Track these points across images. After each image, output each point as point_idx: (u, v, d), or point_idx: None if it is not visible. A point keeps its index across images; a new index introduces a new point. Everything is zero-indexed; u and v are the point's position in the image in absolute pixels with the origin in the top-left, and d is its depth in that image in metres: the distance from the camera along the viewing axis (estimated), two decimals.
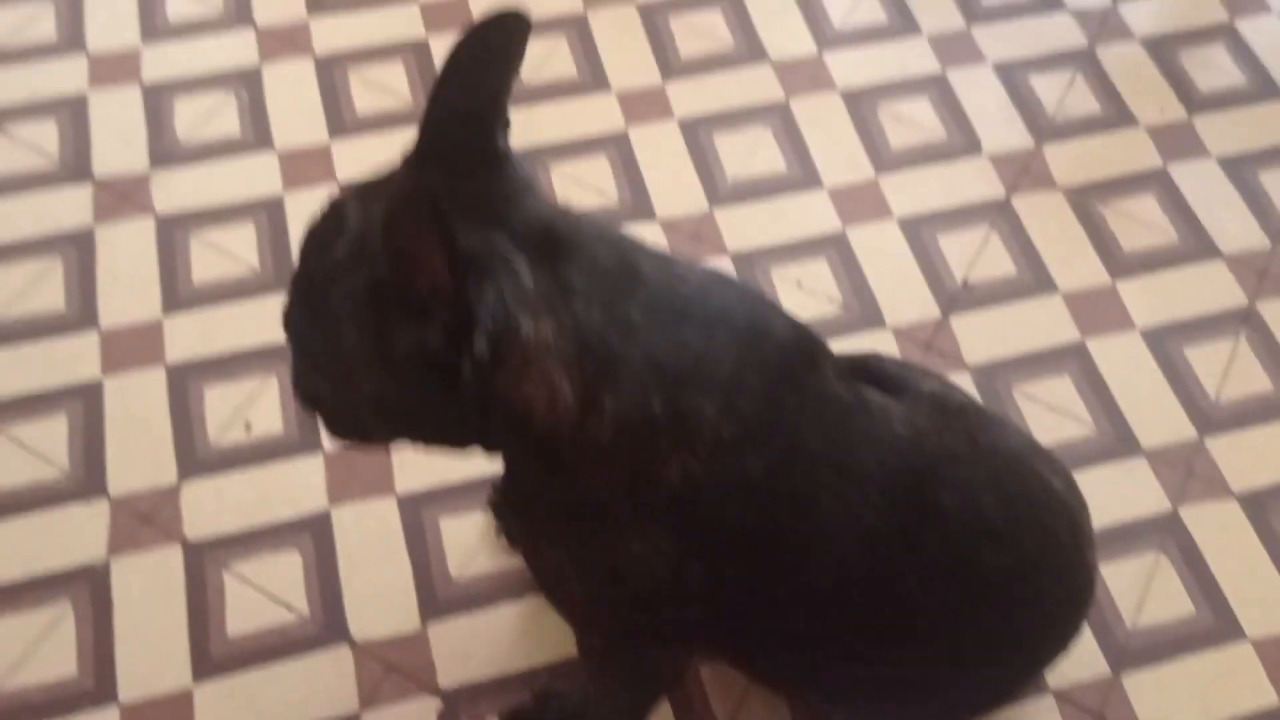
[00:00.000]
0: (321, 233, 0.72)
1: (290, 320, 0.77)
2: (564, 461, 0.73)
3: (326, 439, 1.19)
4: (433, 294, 0.65)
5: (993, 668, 0.94)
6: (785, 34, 1.60)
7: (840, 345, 1.31)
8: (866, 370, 0.97)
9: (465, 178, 0.71)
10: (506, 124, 0.76)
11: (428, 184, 0.70)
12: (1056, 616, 0.93)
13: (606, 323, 0.69)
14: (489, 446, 0.77)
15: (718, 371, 0.72)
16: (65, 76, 1.51)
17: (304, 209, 1.40)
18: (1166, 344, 1.34)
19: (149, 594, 1.14)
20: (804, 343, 0.79)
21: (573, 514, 0.78)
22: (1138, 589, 1.16)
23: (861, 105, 1.54)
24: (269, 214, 1.40)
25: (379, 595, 1.14)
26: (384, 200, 0.68)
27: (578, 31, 1.58)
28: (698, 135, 1.50)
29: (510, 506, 0.88)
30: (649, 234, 1.40)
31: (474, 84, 0.74)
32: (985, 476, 0.83)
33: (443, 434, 0.76)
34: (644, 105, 1.52)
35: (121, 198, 1.41)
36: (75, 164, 1.43)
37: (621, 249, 0.73)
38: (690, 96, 1.53)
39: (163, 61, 1.52)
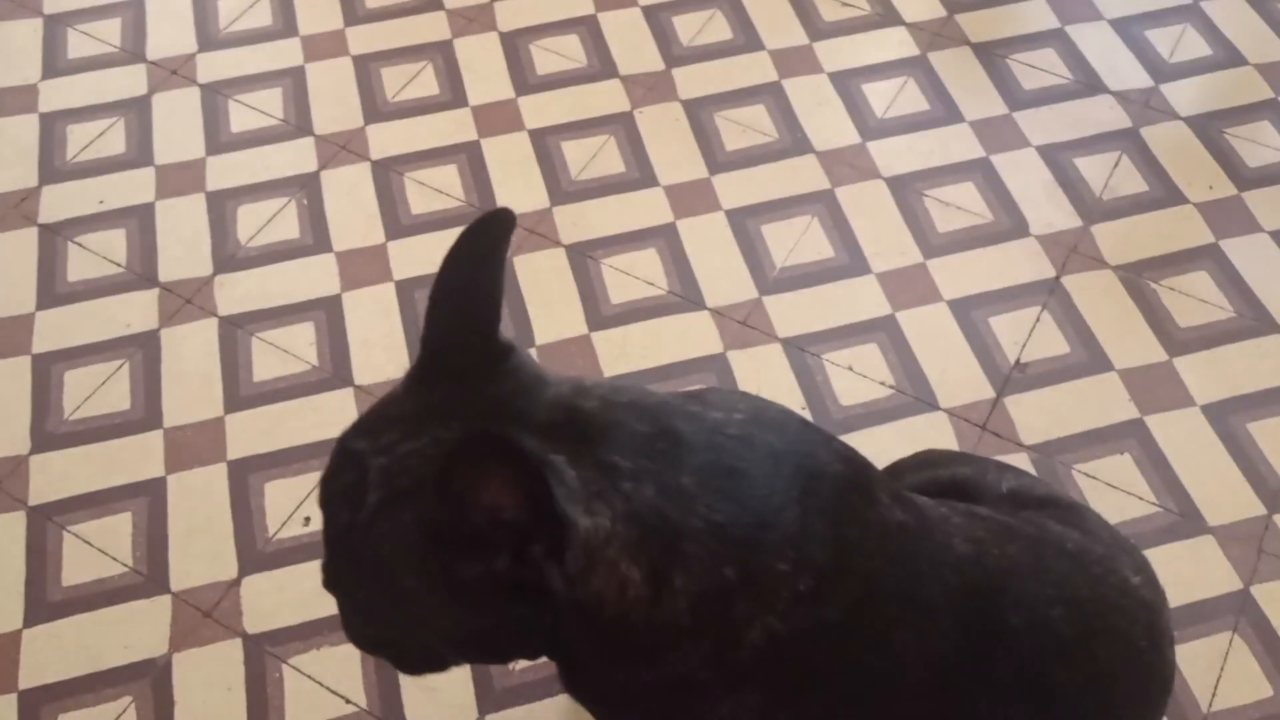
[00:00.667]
0: (343, 485, 0.69)
1: (333, 577, 0.75)
2: (640, 645, 0.70)
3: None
4: (504, 526, 0.63)
5: None
6: (828, 125, 1.63)
7: (895, 429, 1.33)
8: (937, 481, 0.96)
9: (475, 384, 0.70)
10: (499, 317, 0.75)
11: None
12: (1137, 718, 0.90)
13: (661, 498, 0.67)
14: (556, 647, 0.74)
15: (784, 526, 0.70)
16: (134, 187, 1.57)
17: (362, 307, 1.44)
18: (1229, 419, 1.32)
19: (209, 688, 1.15)
20: (855, 472, 0.78)
21: (652, 692, 0.75)
22: (1212, 671, 1.12)
23: (906, 191, 1.55)
24: (328, 313, 1.44)
25: (436, 688, 1.14)
26: (410, 439, 0.67)
27: (624, 128, 1.62)
28: (745, 225, 1.52)
29: (579, 698, 0.87)
30: (699, 324, 1.42)
31: (468, 290, 0.72)
32: (1053, 590, 0.81)
33: (517, 646, 0.74)
34: (691, 197, 1.55)
35: (185, 301, 1.45)
36: (143, 270, 1.49)
37: (653, 414, 0.71)
38: (736, 188, 1.56)
39: (226, 170, 1.59)
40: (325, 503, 0.71)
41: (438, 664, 0.81)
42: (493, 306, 0.72)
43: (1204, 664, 1.13)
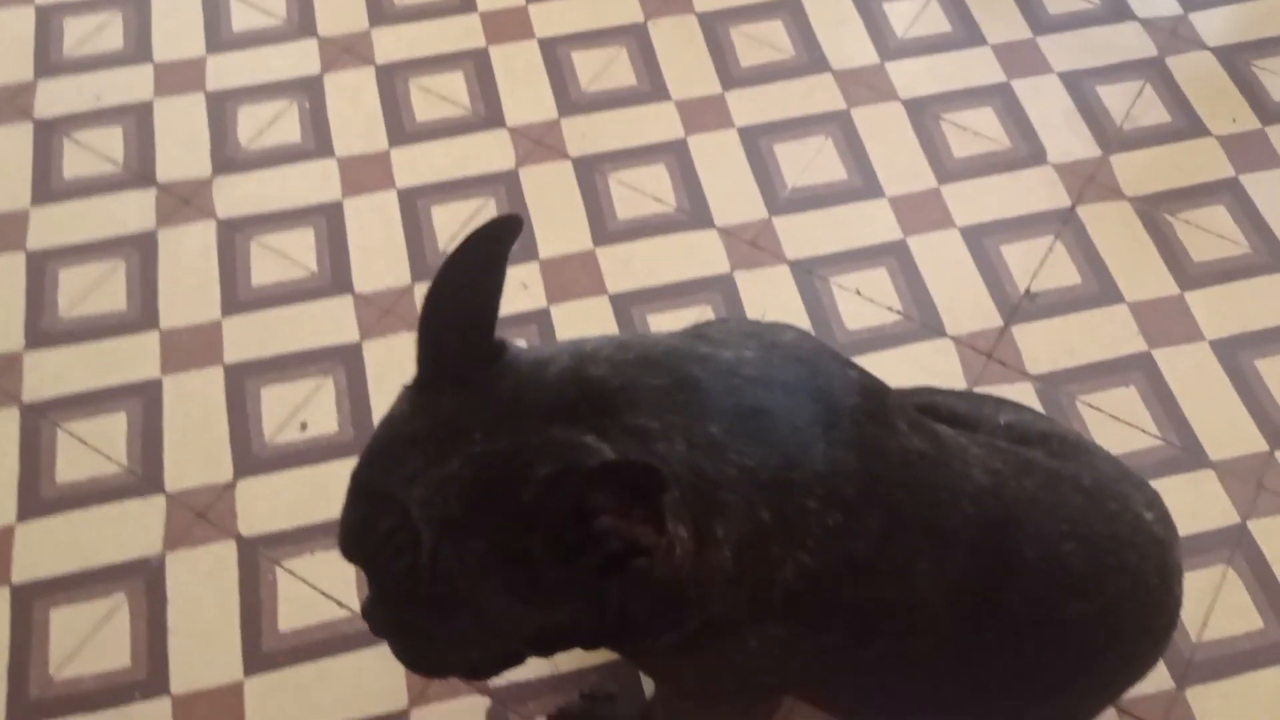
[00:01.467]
0: (385, 532, 0.66)
1: (391, 622, 0.73)
2: (687, 596, 0.70)
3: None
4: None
5: (1068, 700, 0.92)
6: (846, 44, 1.59)
7: (900, 354, 1.31)
8: (935, 412, 0.95)
9: (479, 386, 0.67)
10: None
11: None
12: (1138, 652, 0.90)
13: (693, 452, 0.66)
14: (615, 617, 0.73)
15: (811, 464, 0.69)
16: (132, 84, 1.54)
17: (363, 214, 1.41)
18: (1237, 355, 1.30)
19: (203, 589, 1.15)
20: (873, 402, 0.76)
21: (689, 637, 0.74)
22: (1204, 602, 1.12)
23: (924, 114, 1.52)
24: (328, 219, 1.41)
25: None
26: (438, 464, 0.64)
27: (637, 40, 1.58)
28: (757, 143, 1.49)
29: (621, 652, 0.86)
30: (706, 243, 1.40)
31: (471, 295, 0.69)
32: (1067, 525, 0.81)
33: (590, 630, 0.73)
34: (703, 113, 1.51)
35: (183, 202, 1.43)
36: (140, 169, 1.46)
37: (665, 365, 0.69)
38: (750, 105, 1.52)
39: (227, 70, 1.55)
40: (368, 553, 0.68)
41: (515, 661, 0.80)
42: (493, 312, 0.70)
43: (1197, 595, 1.13)
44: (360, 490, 0.69)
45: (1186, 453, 1.23)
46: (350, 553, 0.70)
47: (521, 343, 0.74)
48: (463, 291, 0.69)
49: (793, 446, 0.69)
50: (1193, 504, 1.18)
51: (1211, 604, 1.12)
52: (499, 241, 0.70)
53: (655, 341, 0.71)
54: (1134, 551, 0.84)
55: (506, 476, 0.63)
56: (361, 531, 0.68)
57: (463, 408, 0.66)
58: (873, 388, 0.78)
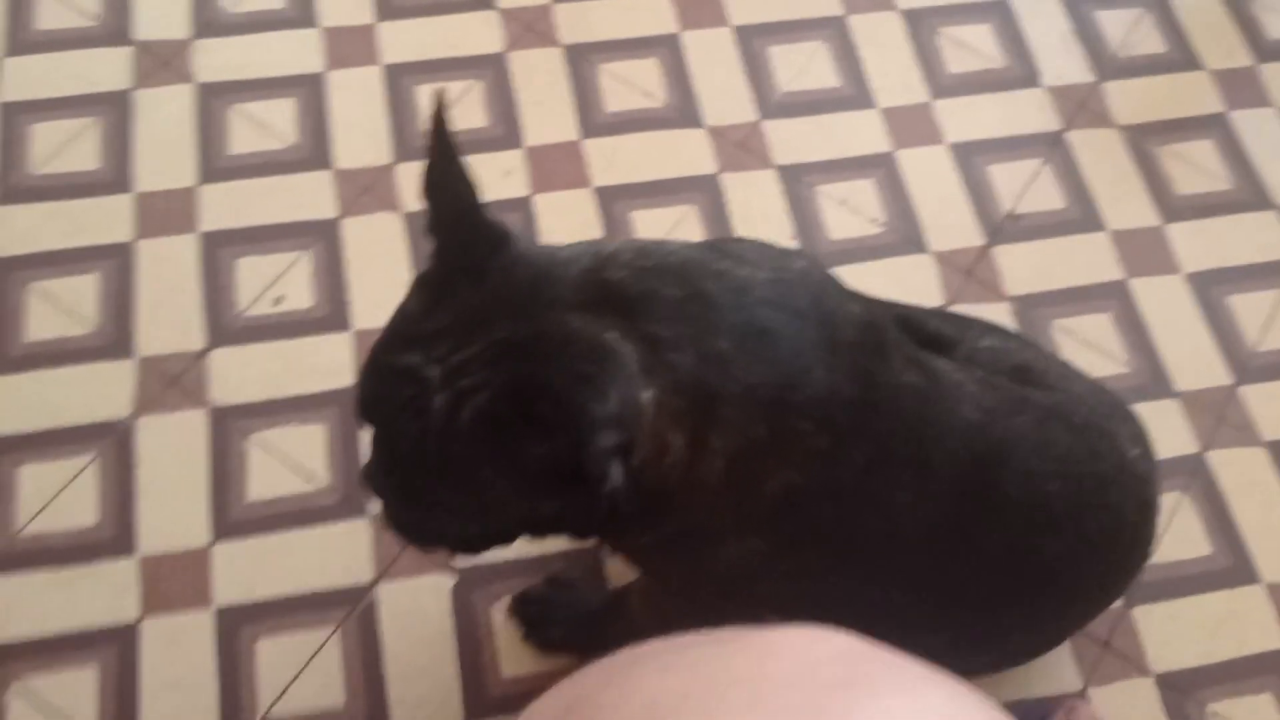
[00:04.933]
0: (404, 400, 0.67)
1: (399, 489, 0.74)
2: (675, 502, 0.71)
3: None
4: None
5: (1039, 633, 0.95)
6: None
7: (881, 267, 1.31)
8: (919, 330, 0.96)
9: (498, 279, 0.68)
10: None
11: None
12: (1111, 584, 0.93)
13: (701, 364, 0.67)
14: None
15: (810, 387, 0.70)
16: None
17: (346, 88, 1.38)
18: (1210, 290, 1.31)
19: (172, 454, 1.15)
20: (874, 335, 0.77)
21: (670, 538, 0.76)
22: (1158, 527, 1.15)
23: (922, 27, 1.50)
24: (310, 90, 1.38)
25: None
26: (463, 349, 0.66)
27: None
28: (752, 43, 1.46)
29: (612, 546, 0.87)
30: (694, 141, 1.38)
31: (455, 181, 0.69)
32: (1054, 464, 0.82)
33: (580, 524, 0.74)
34: (698, 7, 1.48)
35: (162, 63, 1.39)
36: (117, 26, 1.41)
37: (682, 277, 0.69)
38: (747, 3, 1.49)
39: None
40: (385, 420, 0.70)
41: (506, 540, 0.80)
42: (478, 194, 0.70)
43: None
44: (381, 366, 0.70)
45: (1152, 382, 1.25)
46: (369, 415, 0.71)
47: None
48: (449, 179, 0.69)
49: (794, 369, 0.70)
50: (1155, 433, 1.19)
51: (1165, 529, 1.15)
52: (445, 127, 0.70)
53: (673, 251, 0.72)
54: (1116, 490, 0.86)
55: (528, 358, 0.65)
56: (382, 400, 0.70)
57: (486, 300, 0.67)
58: (874, 321, 0.78)
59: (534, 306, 0.67)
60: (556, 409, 0.62)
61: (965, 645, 0.92)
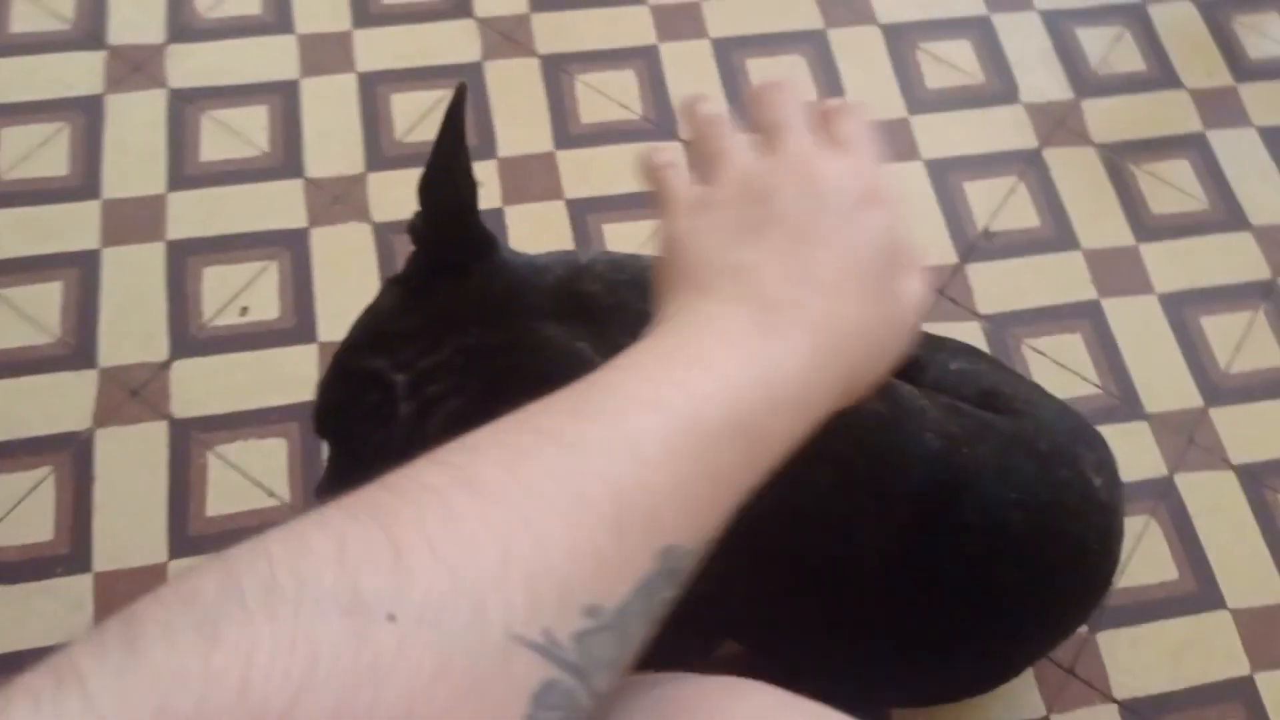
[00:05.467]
0: (368, 406, 0.66)
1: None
2: None
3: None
4: None
5: (1000, 663, 0.94)
6: None
7: None
8: None
9: (475, 283, 0.68)
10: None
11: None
12: (1072, 615, 0.92)
13: None
14: None
15: None
16: None
17: (320, 96, 1.37)
18: (1183, 310, 1.31)
19: (132, 467, 1.14)
20: None
21: None
22: (1125, 551, 1.14)
23: (901, 41, 1.49)
24: (283, 98, 1.37)
25: None
26: (430, 353, 0.64)
27: None
28: (730, 56, 1.46)
29: None
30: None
31: (454, 181, 0.69)
32: (1015, 493, 0.81)
33: None
34: (678, 20, 1.47)
35: (134, 68, 1.38)
36: (90, 29, 1.40)
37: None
38: (725, 15, 1.48)
39: None
40: (346, 428, 0.68)
41: None
42: (474, 192, 0.70)
43: None
44: (345, 371, 0.68)
45: (1123, 403, 1.24)
46: (327, 427, 0.70)
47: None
48: (448, 178, 0.68)
49: None
50: (1124, 454, 1.18)
51: (1131, 552, 1.15)
52: (461, 119, 0.69)
53: (647, 265, 0.72)
54: (1078, 521, 0.84)
55: (496, 366, 0.64)
56: (345, 405, 0.68)
57: (458, 300, 0.66)
58: None
59: (507, 314, 0.66)
60: None
61: (924, 674, 0.91)
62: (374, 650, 0.28)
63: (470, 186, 0.70)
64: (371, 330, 0.69)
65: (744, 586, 0.77)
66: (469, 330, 0.65)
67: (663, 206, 0.51)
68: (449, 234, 0.69)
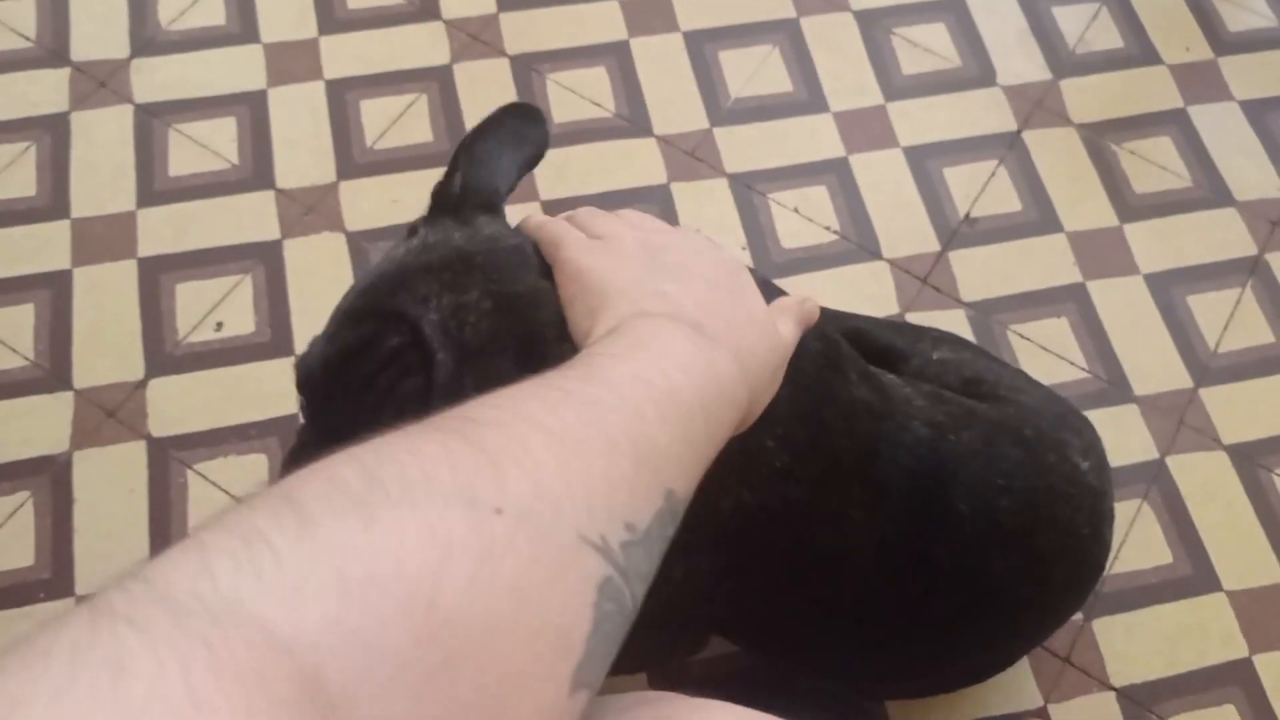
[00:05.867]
0: (391, 349, 0.60)
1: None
2: None
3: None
4: None
5: (993, 652, 0.93)
6: None
7: (835, 275, 1.29)
8: (870, 344, 0.93)
9: (493, 231, 0.66)
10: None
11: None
12: (1065, 601, 0.91)
13: None
14: None
15: (779, 402, 0.66)
16: None
17: (288, 104, 1.35)
18: (1170, 290, 1.30)
19: (110, 489, 1.12)
20: (830, 349, 0.75)
21: None
22: (1117, 536, 1.13)
23: (875, 27, 1.47)
24: (251, 108, 1.35)
25: None
26: (453, 291, 0.60)
27: None
28: (702, 49, 1.44)
29: None
30: (644, 151, 1.36)
31: (502, 152, 0.70)
32: (1003, 479, 0.80)
33: None
34: (647, 14, 1.46)
35: (99, 84, 1.36)
36: (54, 46, 1.38)
37: None
38: (696, 7, 1.47)
39: None
40: (360, 377, 0.61)
41: None
42: (514, 179, 0.71)
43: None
44: (358, 313, 0.62)
45: (1112, 386, 1.23)
46: (328, 379, 0.63)
47: None
48: (499, 145, 0.70)
49: None
50: (1114, 438, 1.18)
51: (1124, 537, 1.14)
52: (534, 136, 0.72)
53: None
54: (1067, 505, 0.83)
55: (525, 317, 0.60)
56: (357, 352, 0.61)
57: (478, 246, 0.64)
58: (829, 335, 0.76)
59: (513, 269, 0.62)
60: None
61: (919, 666, 0.90)
62: (490, 536, 0.34)
63: (515, 170, 0.71)
64: (388, 268, 0.63)
65: (734, 584, 0.76)
66: (491, 275, 0.61)
67: (557, 247, 0.61)
68: (471, 185, 0.67)
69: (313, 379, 0.64)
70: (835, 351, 0.75)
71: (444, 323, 0.59)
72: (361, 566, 0.31)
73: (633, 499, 0.40)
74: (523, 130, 0.73)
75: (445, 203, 0.68)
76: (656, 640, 0.87)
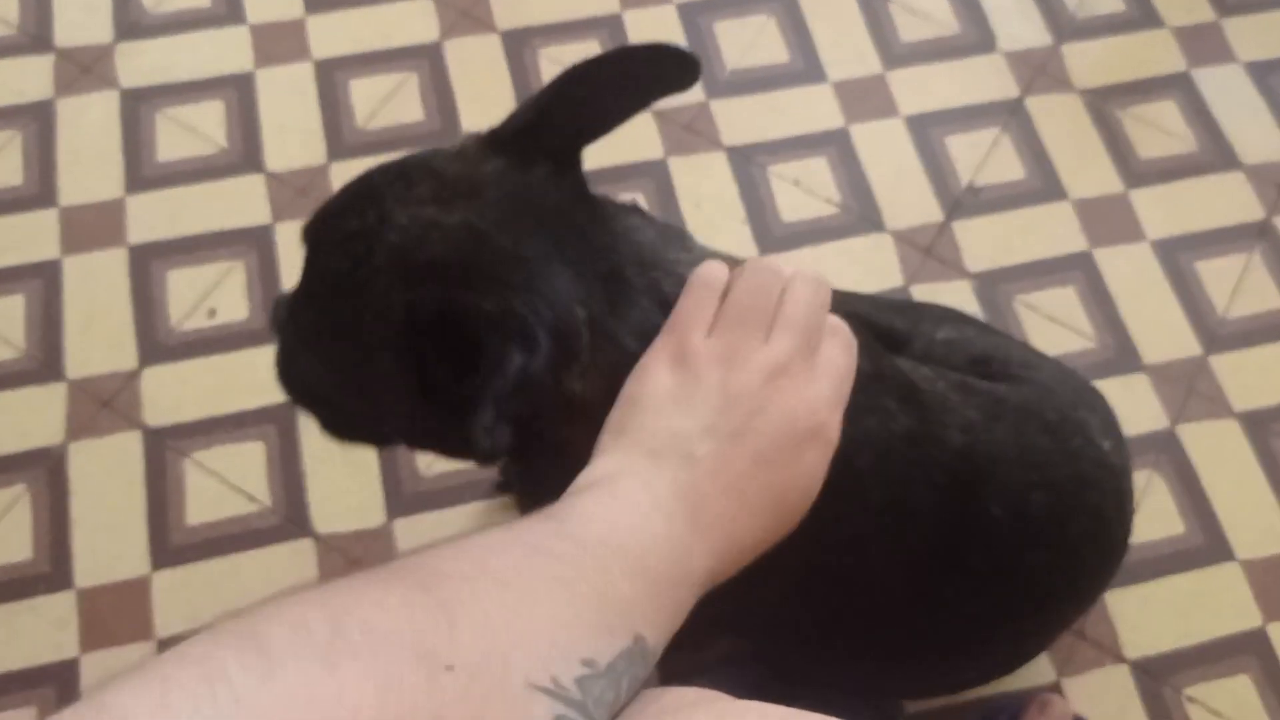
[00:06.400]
0: (350, 230, 0.60)
1: (294, 319, 0.68)
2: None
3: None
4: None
5: (1026, 643, 0.92)
6: None
7: (837, 248, 1.27)
8: (869, 328, 0.91)
9: (542, 186, 0.61)
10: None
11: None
12: (1093, 585, 0.90)
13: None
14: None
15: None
16: None
17: (276, 87, 1.33)
18: (1177, 256, 1.28)
19: (107, 480, 1.11)
20: (874, 381, 0.70)
21: None
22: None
23: None
24: (239, 91, 1.33)
25: (344, 489, 1.11)
26: (438, 204, 0.59)
27: None
28: (696, 21, 1.41)
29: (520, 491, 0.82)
30: (639, 125, 1.33)
31: (608, 96, 0.63)
32: (1035, 474, 0.77)
33: (464, 451, 0.68)
34: None
35: (84, 70, 1.33)
36: (37, 33, 1.36)
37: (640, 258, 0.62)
38: None
39: None
40: (322, 240, 0.63)
41: (375, 440, 0.77)
42: (604, 130, 0.64)
43: None
44: (358, 188, 0.63)
45: (1121, 355, 1.21)
46: (311, 232, 0.64)
47: None
48: (604, 88, 0.63)
49: None
50: (1123, 408, 1.15)
51: (1136, 509, 1.12)
52: (668, 71, 0.64)
53: (636, 227, 0.66)
54: (1095, 490, 0.81)
55: (479, 261, 0.58)
56: (333, 218, 0.63)
57: (503, 181, 0.60)
58: (882, 365, 0.71)
59: (518, 217, 0.60)
60: (478, 352, 0.56)
61: (951, 664, 0.88)
62: (441, 692, 0.35)
63: (605, 115, 0.63)
64: (411, 161, 0.62)
65: (734, 588, 0.73)
66: (486, 213, 0.59)
67: (670, 328, 0.58)
68: (553, 118, 0.62)
69: (307, 228, 0.65)
70: (878, 385, 0.70)
71: (408, 229, 0.59)
72: (319, 714, 0.32)
73: (594, 637, 0.41)
74: (638, 72, 0.65)
75: (505, 132, 0.63)
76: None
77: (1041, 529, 0.78)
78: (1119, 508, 0.85)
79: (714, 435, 0.53)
